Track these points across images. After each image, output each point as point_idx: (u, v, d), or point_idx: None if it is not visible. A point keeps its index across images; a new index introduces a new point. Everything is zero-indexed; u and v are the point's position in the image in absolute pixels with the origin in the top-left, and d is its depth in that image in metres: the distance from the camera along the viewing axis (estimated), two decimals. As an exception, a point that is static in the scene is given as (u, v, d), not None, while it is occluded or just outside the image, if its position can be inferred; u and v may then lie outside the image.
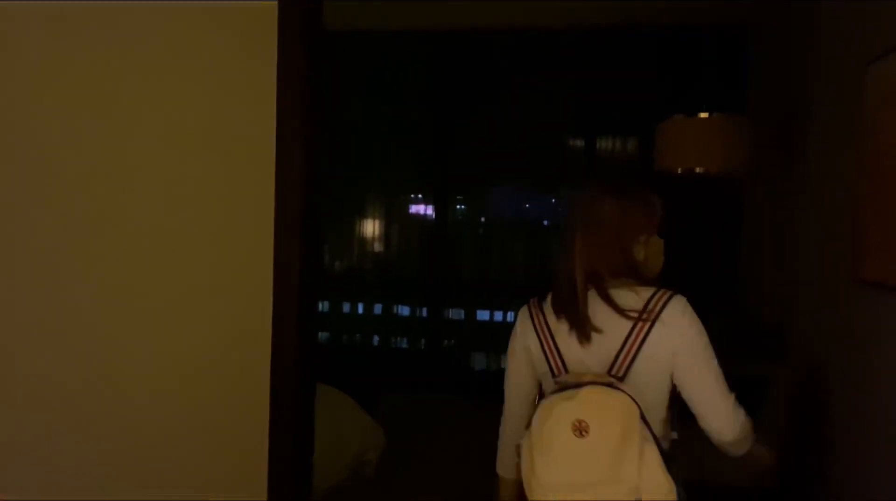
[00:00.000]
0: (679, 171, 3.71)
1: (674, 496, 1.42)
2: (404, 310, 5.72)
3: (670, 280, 1.69)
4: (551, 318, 1.63)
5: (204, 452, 1.69)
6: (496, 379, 1.82)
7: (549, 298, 1.66)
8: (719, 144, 3.56)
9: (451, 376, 5.49)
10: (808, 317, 3.24)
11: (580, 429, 1.42)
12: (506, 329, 1.76)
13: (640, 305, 1.56)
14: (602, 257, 1.62)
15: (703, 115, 3.59)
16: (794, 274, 3.47)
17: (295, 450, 1.68)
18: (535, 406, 1.58)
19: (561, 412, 1.44)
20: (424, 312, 5.65)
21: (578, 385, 1.47)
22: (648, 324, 1.55)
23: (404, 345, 5.71)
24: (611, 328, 1.57)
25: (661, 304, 1.56)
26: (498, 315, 5.58)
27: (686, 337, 1.57)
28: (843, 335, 2.72)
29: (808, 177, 3.31)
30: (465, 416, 4.15)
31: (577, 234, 1.64)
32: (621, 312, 1.56)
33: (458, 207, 5.62)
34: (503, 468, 1.78)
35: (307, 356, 1.72)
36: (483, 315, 5.61)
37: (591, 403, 1.44)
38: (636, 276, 1.64)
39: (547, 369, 1.63)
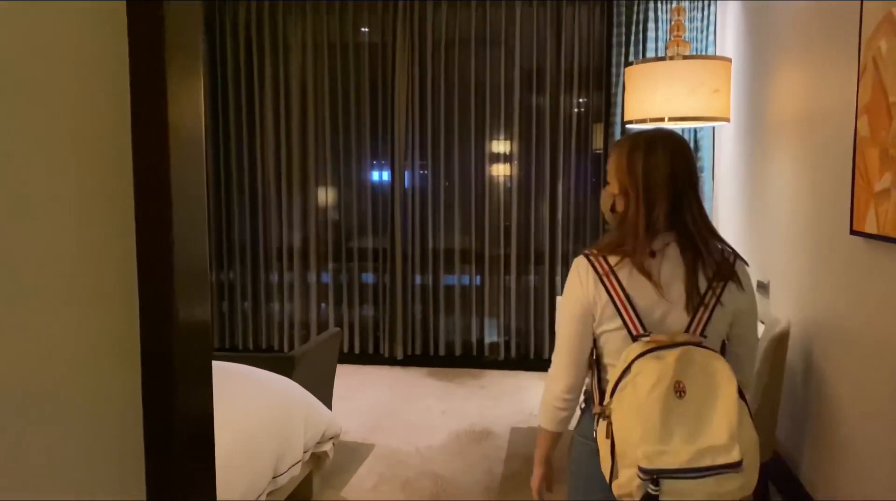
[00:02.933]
0: (648, 122, 3.40)
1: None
2: (368, 278, 5.41)
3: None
4: (622, 271, 1.57)
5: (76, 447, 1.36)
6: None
7: (609, 249, 1.60)
8: (697, 88, 3.25)
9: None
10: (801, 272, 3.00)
11: (680, 390, 1.42)
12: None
13: (713, 262, 1.57)
14: (677, 209, 1.57)
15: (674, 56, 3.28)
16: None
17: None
18: (588, 362, 1.63)
19: (657, 372, 1.42)
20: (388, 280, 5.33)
21: (673, 345, 1.45)
22: (724, 282, 1.57)
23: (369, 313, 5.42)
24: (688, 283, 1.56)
25: (732, 261, 1.61)
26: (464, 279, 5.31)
27: (749, 295, 1.64)
28: (840, 290, 2.46)
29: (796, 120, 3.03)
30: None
31: (646, 186, 1.57)
32: (703, 268, 1.56)
33: (419, 171, 5.28)
34: (550, 421, 1.70)
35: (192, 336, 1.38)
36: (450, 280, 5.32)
37: (692, 364, 1.44)
38: (707, 229, 1.60)
39: (619, 324, 1.57)
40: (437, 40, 5.15)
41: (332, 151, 5.33)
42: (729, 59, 3.40)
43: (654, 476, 1.38)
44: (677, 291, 1.56)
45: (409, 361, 5.33)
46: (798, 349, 3.11)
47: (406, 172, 5.23)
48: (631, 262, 1.56)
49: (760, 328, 3.36)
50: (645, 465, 1.38)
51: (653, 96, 3.37)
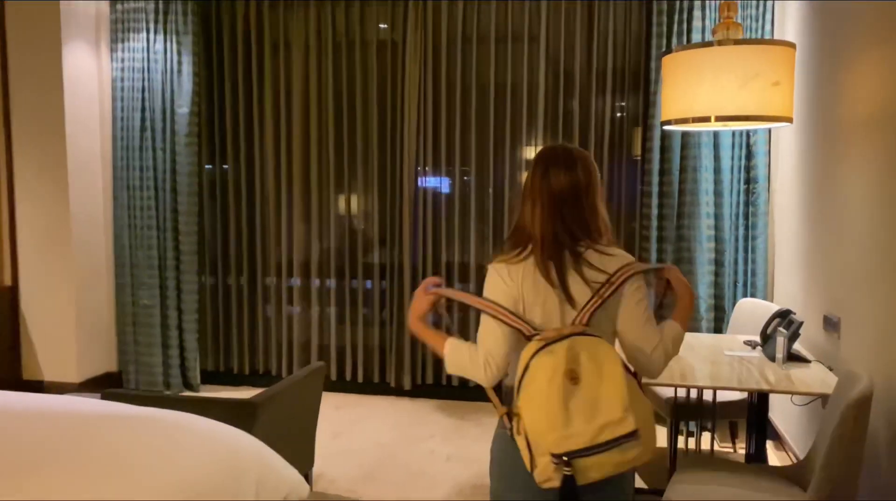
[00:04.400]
0: (690, 122, 2.78)
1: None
2: (374, 296, 4.86)
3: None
4: (527, 277, 1.71)
5: None
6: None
7: (514, 255, 1.74)
8: (752, 81, 2.62)
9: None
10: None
11: (573, 378, 1.58)
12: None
13: (603, 273, 1.69)
14: (574, 218, 1.72)
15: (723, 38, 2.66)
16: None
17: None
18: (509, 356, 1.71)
19: (551, 366, 1.58)
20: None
21: (561, 338, 1.61)
22: (612, 289, 1.69)
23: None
24: (577, 292, 1.70)
25: (623, 278, 1.69)
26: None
27: (627, 302, 1.72)
28: None
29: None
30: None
31: (544, 195, 1.72)
32: (587, 281, 1.69)
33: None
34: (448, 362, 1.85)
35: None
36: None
37: (580, 352, 1.59)
38: (598, 237, 1.74)
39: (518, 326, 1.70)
40: (453, 37, 4.59)
41: (335, 156, 4.80)
42: (793, 45, 2.75)
43: (564, 459, 1.55)
44: (559, 294, 1.70)
45: (418, 392, 4.76)
46: (881, 411, 2.44)
47: (417, 180, 4.67)
48: (525, 266, 1.72)
49: (831, 379, 2.70)
50: (555, 450, 1.56)
51: (696, 91, 2.75)
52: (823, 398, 2.59)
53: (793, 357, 2.95)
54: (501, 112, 4.59)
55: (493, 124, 4.59)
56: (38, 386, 4.64)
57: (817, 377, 2.73)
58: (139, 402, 2.65)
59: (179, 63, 4.68)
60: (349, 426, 4.25)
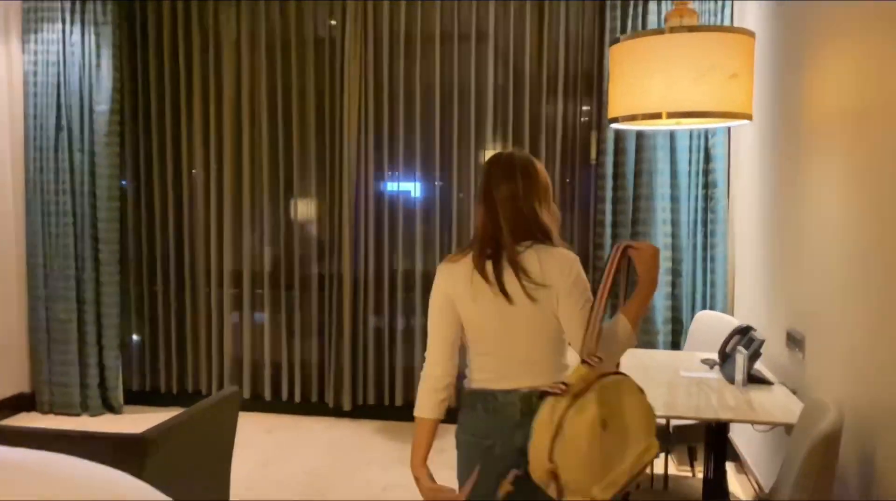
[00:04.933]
0: (639, 120, 2.50)
1: None
2: (311, 310, 4.51)
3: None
4: (465, 274, 1.78)
5: None
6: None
7: (458, 254, 1.83)
8: (708, 73, 2.35)
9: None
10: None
11: (604, 425, 1.58)
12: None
13: (541, 272, 1.74)
14: (514, 221, 1.77)
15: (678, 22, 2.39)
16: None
17: None
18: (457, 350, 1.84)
19: (588, 425, 1.56)
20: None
21: (587, 389, 1.61)
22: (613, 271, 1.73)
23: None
24: (512, 288, 1.75)
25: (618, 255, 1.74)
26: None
27: (551, 285, 1.76)
28: None
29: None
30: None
31: (487, 200, 1.79)
32: (520, 278, 1.73)
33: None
34: (426, 409, 1.86)
35: None
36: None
37: (607, 398, 1.61)
38: (543, 238, 1.78)
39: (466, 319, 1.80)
40: (396, 35, 4.26)
41: (269, 159, 4.45)
42: (752, 34, 2.49)
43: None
44: (494, 290, 1.75)
45: (359, 412, 4.42)
46: (851, 444, 2.18)
47: (359, 185, 4.33)
48: (465, 264, 1.79)
49: (794, 405, 2.44)
50: (601, 496, 1.57)
51: (646, 85, 2.47)
52: (787, 426, 2.33)
53: (753, 379, 2.69)
54: (448, 114, 4.28)
55: (439, 127, 4.29)
56: (-62, 411, 4.21)
57: (780, 403, 2.47)
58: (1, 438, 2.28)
59: (98, 56, 4.30)
60: (280, 452, 3.89)
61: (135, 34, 4.49)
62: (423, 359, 1.87)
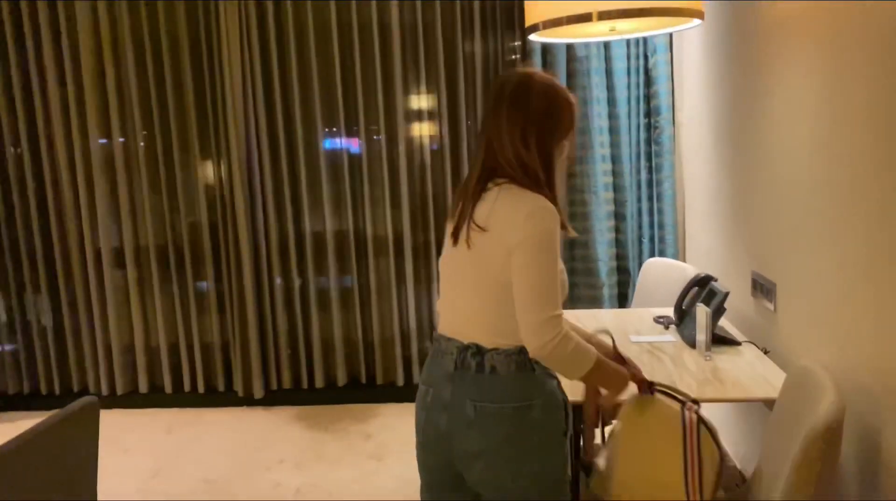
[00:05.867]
0: (563, 24, 1.95)
1: None
2: (203, 286, 3.91)
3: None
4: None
5: None
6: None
7: None
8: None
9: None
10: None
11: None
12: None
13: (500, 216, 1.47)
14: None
15: None
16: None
17: None
18: None
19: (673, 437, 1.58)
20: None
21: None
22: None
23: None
24: (461, 235, 1.54)
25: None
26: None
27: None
28: None
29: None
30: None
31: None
32: (467, 228, 1.51)
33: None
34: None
35: None
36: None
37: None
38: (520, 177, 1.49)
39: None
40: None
41: (143, 117, 3.76)
42: None
43: None
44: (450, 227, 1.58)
45: (273, 399, 3.87)
46: (848, 427, 1.72)
47: (248, 142, 3.69)
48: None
49: (771, 372, 1.98)
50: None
51: (569, -21, 1.91)
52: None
53: (718, 339, 2.23)
54: (349, 55, 3.65)
55: (339, 70, 3.65)
56: None
57: (755, 371, 2.01)
58: None
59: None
60: (176, 456, 3.33)
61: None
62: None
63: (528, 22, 2.09)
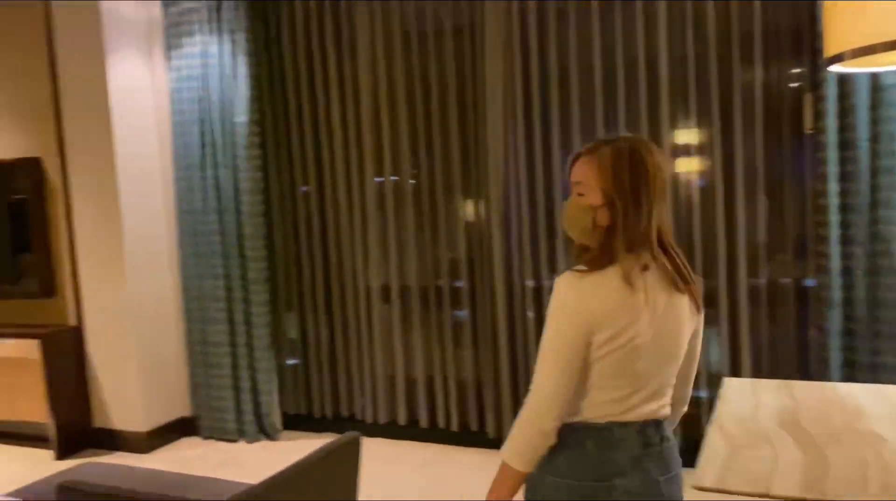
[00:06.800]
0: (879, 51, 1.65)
1: None
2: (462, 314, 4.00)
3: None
4: (625, 289, 1.47)
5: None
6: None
7: (609, 265, 1.49)
8: None
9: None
10: None
11: None
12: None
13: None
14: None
15: None
16: None
17: None
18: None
19: None
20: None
21: None
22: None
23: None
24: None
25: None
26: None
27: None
28: None
29: None
30: None
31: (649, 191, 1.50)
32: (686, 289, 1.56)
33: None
34: (525, 461, 1.55)
35: None
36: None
37: None
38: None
39: (625, 342, 1.48)
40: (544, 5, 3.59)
41: (412, 157, 3.97)
42: None
43: None
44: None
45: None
46: None
47: (507, 181, 3.72)
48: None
49: None
50: None
51: (885, 4, 1.61)
52: None
53: None
54: (611, 91, 3.52)
55: (602, 107, 3.54)
56: (108, 436, 4.23)
57: None
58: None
59: (234, 66, 4.07)
60: (431, 494, 3.38)
61: (270, 39, 4.22)
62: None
63: (830, 51, 1.80)
